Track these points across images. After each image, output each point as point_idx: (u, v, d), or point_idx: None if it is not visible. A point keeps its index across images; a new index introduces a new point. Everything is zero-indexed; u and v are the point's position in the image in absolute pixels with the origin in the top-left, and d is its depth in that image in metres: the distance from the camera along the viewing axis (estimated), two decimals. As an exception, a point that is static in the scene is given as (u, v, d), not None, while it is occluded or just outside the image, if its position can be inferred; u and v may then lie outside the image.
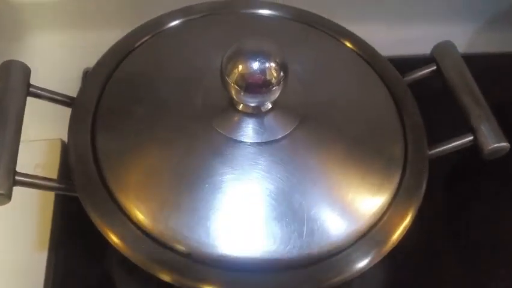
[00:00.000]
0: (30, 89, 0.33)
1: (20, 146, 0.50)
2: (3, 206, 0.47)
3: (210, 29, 0.37)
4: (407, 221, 0.31)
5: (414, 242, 0.44)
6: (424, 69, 0.38)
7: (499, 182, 0.50)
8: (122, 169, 0.31)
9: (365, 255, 0.29)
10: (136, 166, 0.31)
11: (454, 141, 0.35)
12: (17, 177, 0.29)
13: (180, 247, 0.28)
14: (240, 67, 0.29)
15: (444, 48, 0.37)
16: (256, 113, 0.31)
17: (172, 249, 0.28)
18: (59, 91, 0.35)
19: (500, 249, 0.46)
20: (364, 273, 0.29)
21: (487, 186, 0.51)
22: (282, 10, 0.39)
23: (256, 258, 0.28)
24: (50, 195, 0.48)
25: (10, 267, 0.44)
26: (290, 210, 0.29)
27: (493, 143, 0.33)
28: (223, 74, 0.29)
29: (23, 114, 0.32)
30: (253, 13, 0.39)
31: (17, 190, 0.47)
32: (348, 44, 0.38)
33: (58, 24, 0.56)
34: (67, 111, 0.54)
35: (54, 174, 0.49)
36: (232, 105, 0.31)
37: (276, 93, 0.29)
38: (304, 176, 0.30)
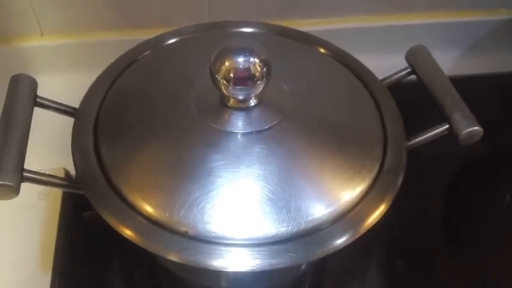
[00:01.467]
0: (37, 99, 0.36)
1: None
2: (8, 226, 0.49)
3: (201, 45, 0.40)
4: (382, 207, 0.33)
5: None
6: (400, 72, 0.41)
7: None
8: (123, 165, 0.33)
9: (342, 235, 0.31)
10: (136, 161, 0.33)
11: (430, 131, 0.37)
12: (25, 174, 0.31)
13: (179, 227, 0.30)
14: (227, 63, 0.32)
15: (417, 50, 0.40)
16: (245, 108, 0.34)
17: (172, 231, 0.30)
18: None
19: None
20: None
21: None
22: (265, 27, 0.43)
23: (248, 232, 0.30)
24: (55, 215, 0.50)
25: (13, 287, 0.45)
26: (278, 190, 0.31)
27: (467, 127, 0.35)
28: (212, 73, 0.32)
29: (30, 120, 0.34)
30: (238, 31, 0.43)
31: (21, 210, 0.50)
32: (327, 52, 0.41)
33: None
34: (69, 142, 0.57)
35: (57, 202, 0.52)
36: (222, 102, 0.34)
37: (260, 86, 0.32)
38: (290, 160, 0.33)
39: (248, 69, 0.32)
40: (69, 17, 0.61)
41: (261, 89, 0.33)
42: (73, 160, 0.34)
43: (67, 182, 0.33)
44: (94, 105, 0.36)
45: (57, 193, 0.52)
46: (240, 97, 0.33)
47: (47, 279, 0.46)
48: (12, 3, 0.58)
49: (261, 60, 0.32)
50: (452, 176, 0.59)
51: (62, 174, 0.53)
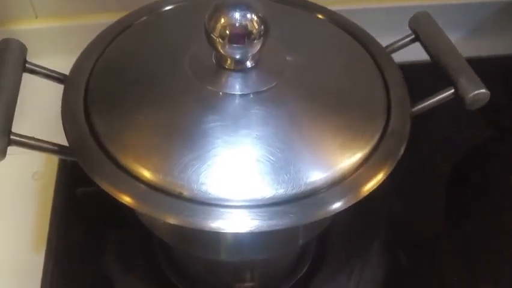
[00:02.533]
0: (27, 65, 0.34)
1: (20, 156, 0.51)
2: (1, 206, 0.48)
3: (197, 11, 0.39)
4: (382, 174, 0.31)
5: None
6: (403, 39, 0.40)
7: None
8: (116, 130, 0.31)
9: (340, 199, 0.29)
10: (129, 125, 0.32)
11: (436, 96, 0.35)
12: (12, 137, 0.30)
13: (176, 189, 0.29)
14: (222, 20, 0.30)
15: (420, 16, 0.39)
16: (242, 70, 0.33)
17: (168, 193, 0.29)
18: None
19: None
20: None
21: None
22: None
23: (246, 194, 0.28)
24: (49, 196, 0.49)
25: (7, 268, 0.44)
26: (277, 152, 0.30)
27: (473, 90, 0.34)
28: (208, 32, 0.31)
29: (19, 86, 0.33)
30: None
31: (16, 191, 0.48)
32: (328, 19, 0.40)
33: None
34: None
35: (52, 183, 0.50)
36: (219, 64, 0.33)
37: (257, 45, 0.31)
38: (289, 122, 0.31)
39: (245, 26, 0.30)
40: (63, 0, 0.60)
41: (258, 47, 0.31)
42: (63, 127, 0.32)
43: (57, 148, 0.32)
44: (85, 71, 0.35)
45: (52, 174, 0.51)
46: (237, 56, 0.32)
47: (40, 259, 0.45)
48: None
49: (258, 17, 0.30)
50: (456, 159, 0.58)
51: (56, 157, 0.52)
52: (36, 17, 0.61)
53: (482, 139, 0.61)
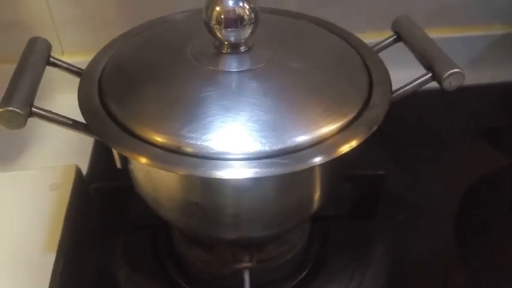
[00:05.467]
0: (50, 59, 0.39)
1: (39, 169, 0.55)
2: (18, 213, 0.51)
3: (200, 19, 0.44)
4: (353, 142, 0.33)
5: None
6: (386, 40, 0.44)
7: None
8: (127, 104, 0.35)
9: (317, 156, 0.32)
10: (140, 100, 0.36)
11: (414, 81, 0.39)
12: (33, 109, 0.34)
13: (184, 148, 0.32)
14: (218, 8, 0.35)
15: (401, 19, 0.44)
16: (237, 53, 0.37)
17: (177, 152, 0.32)
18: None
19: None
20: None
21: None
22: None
23: (243, 149, 0.32)
24: (64, 205, 0.52)
25: (17, 265, 0.47)
26: (266, 113, 0.33)
27: (447, 70, 0.37)
28: (206, 22, 0.36)
29: (42, 73, 0.38)
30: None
31: (33, 199, 0.52)
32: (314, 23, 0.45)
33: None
34: (84, 141, 0.60)
35: (67, 193, 0.54)
36: (218, 50, 0.37)
37: (249, 29, 0.36)
38: (277, 92, 0.35)
39: (237, 12, 0.35)
40: (87, 37, 0.66)
41: (249, 31, 0.36)
42: (80, 107, 0.36)
43: (73, 123, 0.35)
44: (100, 65, 0.40)
45: (68, 185, 0.54)
46: (232, 39, 0.36)
47: (51, 258, 0.47)
48: (37, 24, 0.65)
49: (250, 6, 0.35)
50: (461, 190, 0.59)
51: (73, 170, 0.56)
52: (63, 53, 0.68)
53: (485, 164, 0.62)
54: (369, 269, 0.49)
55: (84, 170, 0.58)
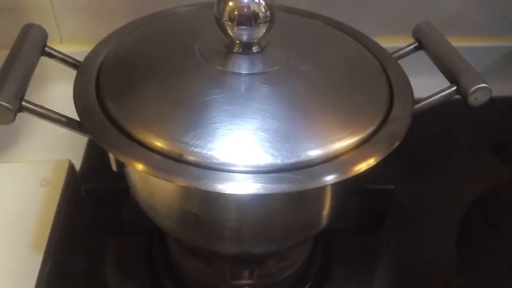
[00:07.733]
0: (46, 48, 0.36)
1: (31, 163, 0.52)
2: (7, 208, 0.48)
3: (206, 11, 0.41)
4: (371, 160, 0.30)
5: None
6: (407, 47, 0.41)
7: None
8: (125, 101, 0.33)
9: (329, 175, 0.29)
10: (139, 99, 0.33)
11: (439, 93, 0.36)
12: (23, 103, 0.31)
13: (186, 156, 0.29)
14: (231, 3, 0.32)
15: (423, 26, 0.41)
16: (249, 53, 0.34)
17: (177, 160, 0.29)
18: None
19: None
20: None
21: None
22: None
23: (249, 161, 0.29)
24: (54, 202, 0.49)
25: (4, 267, 0.44)
26: (278, 122, 0.30)
27: (474, 85, 0.34)
28: (217, 18, 0.33)
29: (36, 63, 0.35)
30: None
31: (23, 195, 0.49)
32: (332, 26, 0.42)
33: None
34: (78, 137, 0.57)
35: (59, 189, 0.51)
36: (228, 49, 0.34)
37: (263, 29, 0.33)
38: (291, 98, 0.32)
39: (252, 9, 0.32)
40: (88, 27, 0.63)
41: (264, 31, 0.33)
42: (75, 103, 0.34)
43: (66, 120, 0.33)
44: (99, 57, 0.37)
45: (58, 181, 0.52)
46: (244, 38, 0.33)
47: (38, 259, 0.44)
48: (36, 9, 0.61)
49: (266, 3, 0.32)
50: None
51: (66, 165, 0.53)
52: (62, 42, 0.65)
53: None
54: (373, 285, 0.47)
55: (77, 165, 0.55)
